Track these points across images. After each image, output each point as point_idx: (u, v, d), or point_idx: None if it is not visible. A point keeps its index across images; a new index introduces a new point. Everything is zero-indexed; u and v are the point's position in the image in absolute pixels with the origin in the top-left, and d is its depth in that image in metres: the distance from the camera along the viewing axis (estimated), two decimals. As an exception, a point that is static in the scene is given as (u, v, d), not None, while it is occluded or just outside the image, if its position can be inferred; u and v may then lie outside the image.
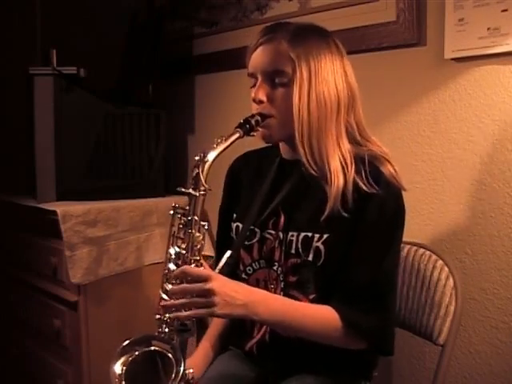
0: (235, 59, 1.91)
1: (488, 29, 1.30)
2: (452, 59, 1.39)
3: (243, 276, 1.17)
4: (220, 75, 2.01)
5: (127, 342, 0.97)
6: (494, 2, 1.29)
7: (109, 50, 1.88)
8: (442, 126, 1.44)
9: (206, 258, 1.06)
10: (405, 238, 1.27)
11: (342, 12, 1.59)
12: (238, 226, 1.18)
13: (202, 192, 0.98)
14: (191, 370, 1.00)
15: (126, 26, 1.94)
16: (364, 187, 1.02)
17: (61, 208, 1.63)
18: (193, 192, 0.98)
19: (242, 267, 1.17)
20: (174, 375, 0.93)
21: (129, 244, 1.79)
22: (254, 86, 1.08)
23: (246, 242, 1.15)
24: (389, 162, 1.07)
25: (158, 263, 1.86)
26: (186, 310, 0.96)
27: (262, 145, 1.17)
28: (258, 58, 1.06)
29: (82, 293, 1.67)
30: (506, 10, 1.27)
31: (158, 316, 1.02)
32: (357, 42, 1.54)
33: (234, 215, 1.21)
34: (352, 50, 1.53)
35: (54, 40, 1.78)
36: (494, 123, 1.35)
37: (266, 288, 1.13)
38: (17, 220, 1.94)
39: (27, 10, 1.87)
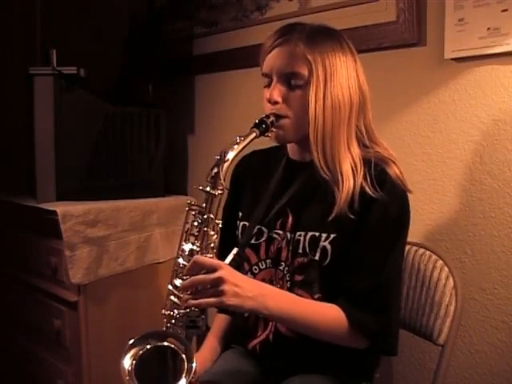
0: (235, 59, 1.92)
1: (488, 29, 1.30)
2: (452, 59, 1.39)
3: (249, 275, 1.17)
4: (220, 75, 2.01)
5: (139, 336, 0.96)
6: (494, 2, 1.29)
7: (109, 50, 1.87)
8: (442, 125, 1.44)
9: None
10: (405, 238, 1.27)
11: (342, 12, 1.59)
12: (244, 225, 1.19)
13: (219, 191, 0.99)
14: (194, 364, 1.00)
15: (125, 26, 1.93)
16: (369, 191, 1.03)
17: (61, 208, 1.63)
18: (211, 191, 0.99)
19: (247, 266, 1.17)
20: (185, 372, 0.93)
21: (129, 244, 1.79)
22: (268, 86, 1.08)
23: (254, 241, 1.16)
24: (395, 164, 1.08)
25: (158, 263, 1.86)
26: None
27: (268, 145, 1.18)
28: (274, 59, 1.07)
29: (82, 293, 1.67)
30: (506, 10, 1.27)
31: (166, 312, 1.01)
32: (357, 42, 1.51)
33: (240, 214, 1.22)
34: (352, 50, 1.54)
35: (53, 40, 1.77)
36: (494, 123, 1.35)
37: None
38: (17, 220, 1.93)
39: (27, 10, 1.87)
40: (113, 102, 1.84)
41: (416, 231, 1.46)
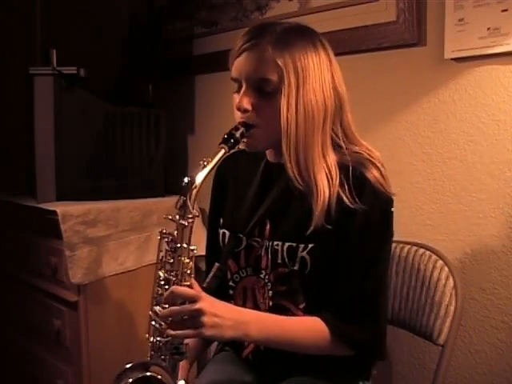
0: (235, 59, 1.92)
1: (488, 29, 1.30)
2: (452, 59, 1.39)
3: (231, 283, 1.16)
4: (220, 75, 2.01)
5: (121, 371, 0.95)
6: (494, 2, 1.29)
7: (109, 50, 1.87)
8: (442, 125, 1.44)
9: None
10: (405, 238, 1.28)
11: (342, 12, 1.59)
12: (224, 233, 1.16)
13: (190, 220, 0.95)
14: (182, 382, 1.00)
15: (125, 26, 1.93)
16: (347, 201, 0.99)
17: (61, 208, 1.63)
18: (181, 221, 0.95)
19: (229, 275, 1.16)
20: None
21: (129, 244, 1.79)
22: (238, 91, 1.04)
23: (233, 250, 1.14)
24: (375, 166, 1.02)
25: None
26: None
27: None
28: (242, 64, 1.02)
29: (82, 293, 1.67)
30: (506, 10, 1.27)
31: (149, 338, 1.00)
32: (357, 42, 1.54)
33: (221, 220, 1.20)
34: (352, 50, 1.54)
35: (53, 40, 1.77)
36: (494, 123, 1.35)
37: (254, 295, 1.13)
38: (17, 220, 1.93)
39: (27, 10, 1.87)
40: (113, 102, 1.84)
41: (416, 231, 1.46)
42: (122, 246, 1.76)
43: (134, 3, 1.95)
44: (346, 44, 1.53)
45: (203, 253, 1.25)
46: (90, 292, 1.69)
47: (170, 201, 1.91)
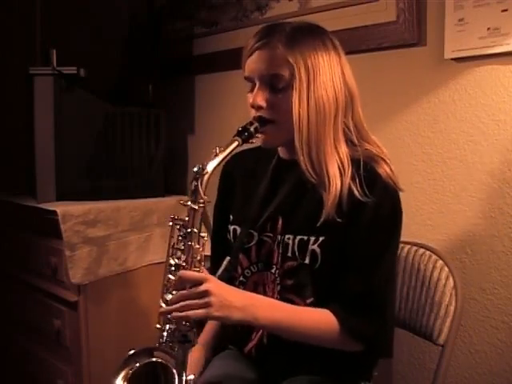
0: (235, 59, 1.90)
1: (488, 29, 1.30)
2: (452, 59, 1.39)
3: (241, 279, 1.16)
4: (220, 75, 2.01)
5: (128, 355, 0.96)
6: (494, 2, 1.29)
7: (109, 50, 1.87)
8: (442, 125, 1.44)
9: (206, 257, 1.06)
10: (405, 238, 1.27)
11: (342, 12, 1.59)
12: (235, 229, 1.17)
13: (201, 205, 0.97)
14: (192, 377, 1.00)
15: (125, 26, 1.93)
16: (358, 194, 1.01)
17: (61, 208, 1.63)
18: (192, 205, 0.97)
19: (240, 270, 1.16)
20: None
21: (129, 244, 1.79)
22: (251, 90, 1.06)
23: (244, 245, 1.15)
24: (385, 161, 1.05)
25: (158, 263, 1.86)
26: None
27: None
28: (254, 62, 1.04)
29: (82, 293, 1.67)
30: (506, 10, 1.27)
31: (158, 326, 1.01)
32: (357, 42, 1.54)
33: (231, 217, 1.20)
34: (352, 49, 1.53)
35: (53, 40, 1.77)
36: (494, 123, 1.35)
37: (264, 291, 1.13)
38: (17, 220, 1.93)
39: (27, 10, 1.87)
40: (113, 102, 1.84)
41: (416, 231, 1.46)
42: (121, 246, 1.76)
43: (134, 3, 1.95)
44: (346, 44, 1.51)
45: (207, 253, 1.25)
46: (90, 292, 1.69)
47: (170, 201, 1.92)
